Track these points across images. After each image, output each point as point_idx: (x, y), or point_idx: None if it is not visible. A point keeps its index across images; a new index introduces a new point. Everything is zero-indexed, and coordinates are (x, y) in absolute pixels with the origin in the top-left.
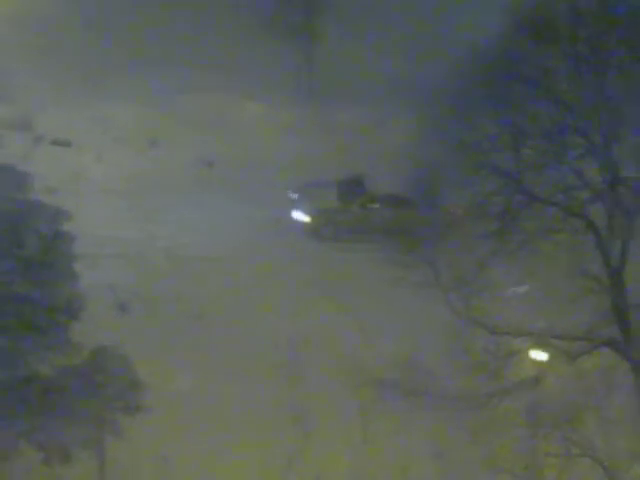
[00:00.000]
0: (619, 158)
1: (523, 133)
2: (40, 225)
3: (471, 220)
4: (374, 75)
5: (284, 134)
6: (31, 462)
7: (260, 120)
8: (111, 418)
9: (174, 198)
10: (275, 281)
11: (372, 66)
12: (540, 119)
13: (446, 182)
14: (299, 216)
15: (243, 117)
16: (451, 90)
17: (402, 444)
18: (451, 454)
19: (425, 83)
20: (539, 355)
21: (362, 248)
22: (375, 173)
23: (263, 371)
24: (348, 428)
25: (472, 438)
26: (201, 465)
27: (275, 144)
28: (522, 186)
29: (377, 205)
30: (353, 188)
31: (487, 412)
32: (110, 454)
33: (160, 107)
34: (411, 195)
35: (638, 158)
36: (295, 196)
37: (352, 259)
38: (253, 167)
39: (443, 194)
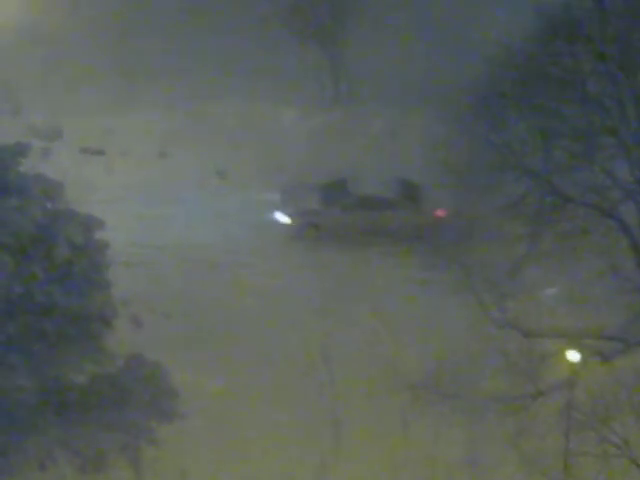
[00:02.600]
0: None
1: (554, 134)
2: (72, 233)
3: (503, 222)
4: (403, 78)
5: (313, 139)
6: (67, 470)
7: (289, 125)
8: (146, 425)
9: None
10: (295, 287)
11: (401, 69)
12: (570, 120)
13: (476, 184)
14: (281, 218)
15: (272, 123)
16: (481, 92)
17: (437, 447)
18: (487, 456)
19: (455, 85)
20: (573, 356)
21: (376, 250)
22: (405, 175)
23: (293, 377)
24: (383, 432)
25: (508, 440)
26: (233, 471)
27: (304, 149)
28: (553, 187)
29: (359, 207)
30: (336, 190)
31: (522, 414)
32: (145, 461)
33: (187, 113)
34: (395, 197)
35: None
36: (278, 198)
37: (363, 261)
38: (282, 172)
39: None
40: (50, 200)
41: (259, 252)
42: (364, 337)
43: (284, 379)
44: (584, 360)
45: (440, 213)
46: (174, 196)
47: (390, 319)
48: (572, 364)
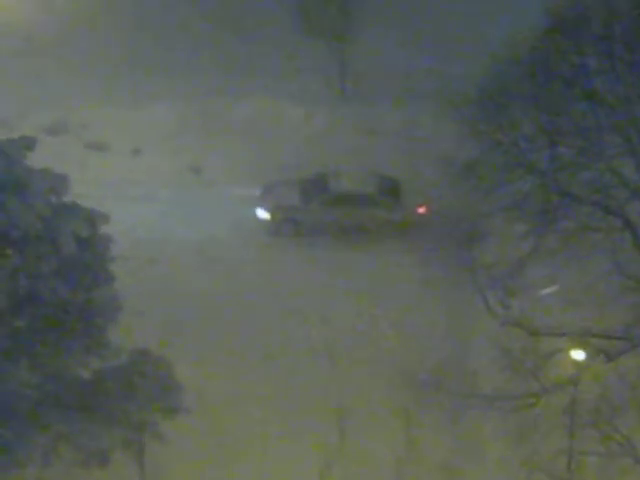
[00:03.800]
0: None
1: (560, 132)
2: (77, 227)
3: (507, 220)
4: (409, 76)
5: (320, 137)
6: (70, 465)
7: (297, 123)
8: (150, 420)
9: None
10: (296, 282)
11: (407, 67)
12: (576, 118)
13: (482, 182)
14: (261, 214)
15: (280, 121)
16: (487, 90)
17: (441, 445)
18: (490, 454)
19: (461, 83)
20: (578, 355)
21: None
22: (412, 174)
23: (300, 373)
24: (386, 430)
25: (512, 438)
26: (237, 466)
27: (311, 147)
28: (559, 185)
29: (337, 203)
30: (316, 186)
31: (526, 412)
32: (149, 456)
33: (194, 110)
34: (375, 193)
35: None
36: (258, 193)
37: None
38: (284, 169)
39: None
40: (55, 194)
41: (234, 247)
42: (368, 335)
43: (285, 375)
44: (588, 359)
45: (422, 210)
46: (151, 192)
47: (394, 316)
48: (576, 363)
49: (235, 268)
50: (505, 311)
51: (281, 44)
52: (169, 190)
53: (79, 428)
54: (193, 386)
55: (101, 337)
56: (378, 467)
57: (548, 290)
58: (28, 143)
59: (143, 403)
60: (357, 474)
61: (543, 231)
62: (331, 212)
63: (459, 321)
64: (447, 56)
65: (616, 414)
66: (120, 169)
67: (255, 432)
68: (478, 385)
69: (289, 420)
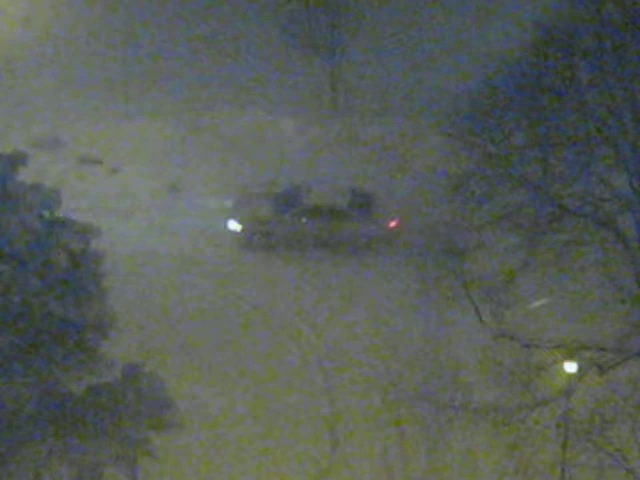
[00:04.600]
0: None
1: (551, 145)
2: (69, 242)
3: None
4: (401, 90)
5: (313, 150)
6: None
7: (288, 137)
8: (143, 436)
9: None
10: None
11: (399, 81)
12: (568, 130)
13: (474, 194)
14: (232, 225)
15: (272, 133)
16: (479, 103)
17: (434, 457)
18: (484, 467)
19: (452, 96)
20: (571, 367)
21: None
22: (401, 186)
23: (293, 387)
24: (380, 442)
25: (505, 451)
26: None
27: (304, 159)
28: (551, 198)
29: (309, 216)
30: (289, 199)
31: (519, 425)
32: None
33: (185, 125)
34: (347, 207)
35: None
36: (230, 205)
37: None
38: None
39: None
40: (47, 209)
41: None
42: (362, 348)
43: (284, 390)
44: (581, 371)
45: (393, 224)
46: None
47: (387, 328)
48: (569, 375)
49: (209, 281)
50: (498, 323)
51: (273, 59)
52: (148, 204)
53: (72, 443)
54: (182, 402)
55: (94, 353)
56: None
57: (537, 303)
58: (19, 158)
59: (136, 418)
60: None
61: (535, 243)
62: (303, 225)
63: (451, 335)
64: (439, 70)
65: (609, 426)
66: (101, 184)
67: (247, 446)
68: (471, 398)
69: (281, 435)
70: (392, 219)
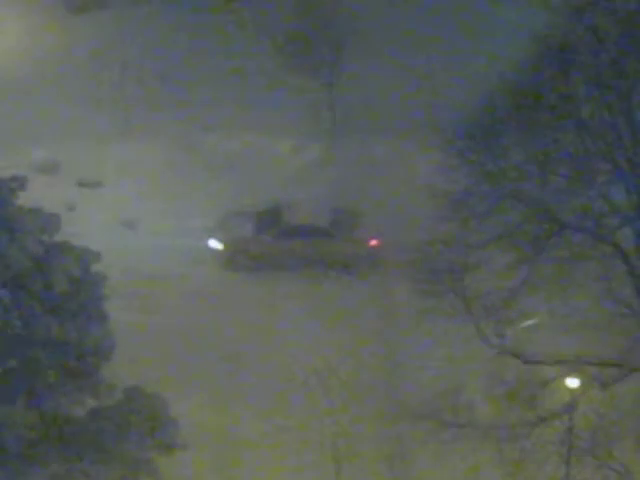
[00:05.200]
0: None
1: (549, 160)
2: (69, 266)
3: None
4: (399, 109)
5: (310, 169)
6: None
7: (284, 157)
8: (146, 457)
9: None
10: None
11: (396, 100)
12: (566, 146)
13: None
14: (214, 244)
15: (267, 155)
16: (476, 120)
17: (438, 475)
18: None
19: (450, 114)
20: (573, 383)
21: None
22: (399, 206)
23: (293, 405)
24: (384, 460)
25: (508, 467)
26: None
27: (297, 180)
28: (550, 213)
29: (290, 235)
30: (270, 218)
31: (522, 441)
32: None
33: (180, 145)
34: (327, 226)
35: None
36: (211, 225)
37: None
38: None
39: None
40: (46, 233)
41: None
42: (359, 366)
43: (283, 408)
44: (583, 386)
45: (374, 242)
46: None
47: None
48: (571, 390)
49: (189, 300)
50: (500, 340)
51: (270, 78)
52: (133, 223)
53: (75, 467)
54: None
55: (95, 376)
56: None
57: (530, 322)
58: (19, 182)
59: (138, 440)
60: None
61: (535, 260)
62: (284, 244)
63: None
64: (436, 87)
65: (612, 441)
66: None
67: (250, 466)
68: (474, 415)
69: (286, 455)
70: (373, 237)
